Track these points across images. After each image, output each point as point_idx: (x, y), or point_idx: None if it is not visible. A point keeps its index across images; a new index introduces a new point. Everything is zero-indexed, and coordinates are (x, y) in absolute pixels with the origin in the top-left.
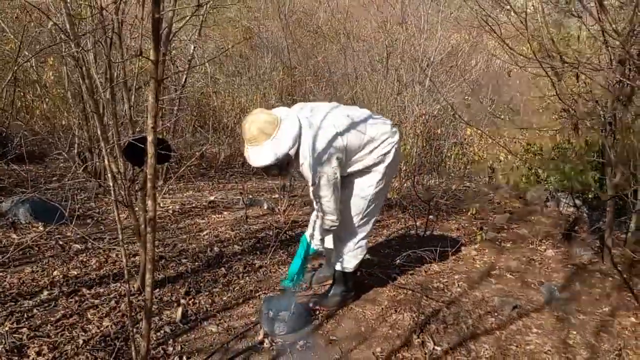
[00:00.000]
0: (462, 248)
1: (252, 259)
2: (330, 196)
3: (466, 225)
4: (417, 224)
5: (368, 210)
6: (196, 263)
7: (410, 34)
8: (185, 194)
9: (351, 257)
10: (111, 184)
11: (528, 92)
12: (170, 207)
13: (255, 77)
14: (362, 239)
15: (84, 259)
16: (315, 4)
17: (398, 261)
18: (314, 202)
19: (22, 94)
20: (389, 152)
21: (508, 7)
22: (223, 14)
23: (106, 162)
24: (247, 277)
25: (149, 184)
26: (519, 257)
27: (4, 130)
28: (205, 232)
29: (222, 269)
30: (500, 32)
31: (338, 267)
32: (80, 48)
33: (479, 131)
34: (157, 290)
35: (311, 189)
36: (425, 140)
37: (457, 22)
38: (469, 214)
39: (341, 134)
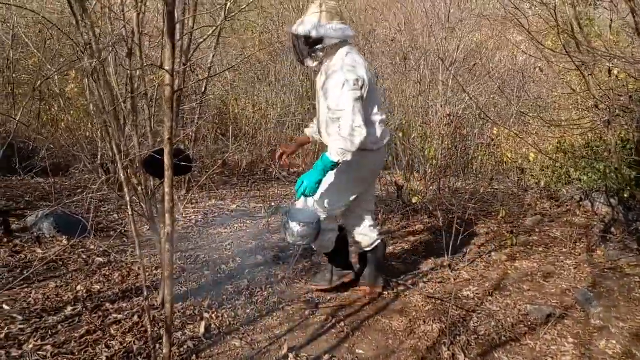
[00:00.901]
0: (493, 253)
1: (274, 269)
2: (353, 104)
3: (496, 229)
4: (445, 228)
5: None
6: (219, 275)
7: (431, 32)
8: (208, 203)
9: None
10: (127, 198)
11: (556, 87)
12: (193, 217)
13: (275, 83)
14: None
15: (107, 273)
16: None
17: (425, 269)
18: (338, 113)
19: (47, 107)
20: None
21: None
22: (241, 21)
23: (121, 175)
24: (270, 289)
25: (166, 198)
26: (552, 262)
27: (29, 143)
28: (227, 243)
29: (245, 280)
30: (528, 26)
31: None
32: (97, 60)
33: (507, 130)
34: (180, 304)
35: (339, 96)
36: (450, 141)
37: (480, 18)
38: (498, 217)
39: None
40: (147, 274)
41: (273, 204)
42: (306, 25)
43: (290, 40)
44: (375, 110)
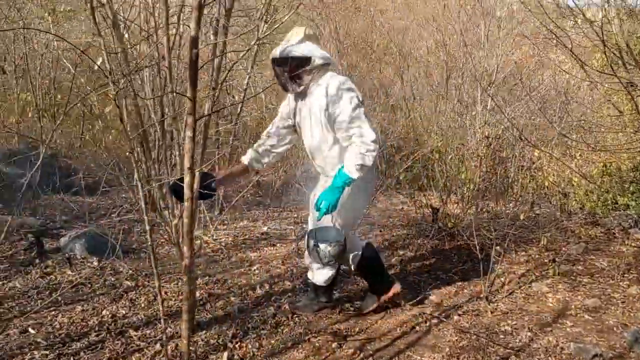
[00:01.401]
0: (533, 284)
1: (302, 296)
2: (365, 119)
3: (536, 257)
4: (482, 256)
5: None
6: (245, 301)
7: (469, 51)
8: (239, 224)
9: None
10: (147, 226)
11: (601, 109)
12: (223, 239)
13: None
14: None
15: (134, 297)
16: (370, 26)
17: (461, 299)
18: (352, 130)
19: (90, 126)
20: None
21: (580, 16)
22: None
23: (142, 203)
24: (297, 318)
25: (185, 229)
26: (597, 295)
27: (70, 162)
28: (255, 267)
29: (272, 308)
30: (571, 45)
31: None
32: (119, 87)
33: (548, 153)
34: (204, 332)
35: (349, 113)
36: (489, 164)
37: (520, 38)
38: (540, 244)
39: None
40: (173, 299)
41: (304, 226)
42: (298, 48)
43: (272, 66)
44: None
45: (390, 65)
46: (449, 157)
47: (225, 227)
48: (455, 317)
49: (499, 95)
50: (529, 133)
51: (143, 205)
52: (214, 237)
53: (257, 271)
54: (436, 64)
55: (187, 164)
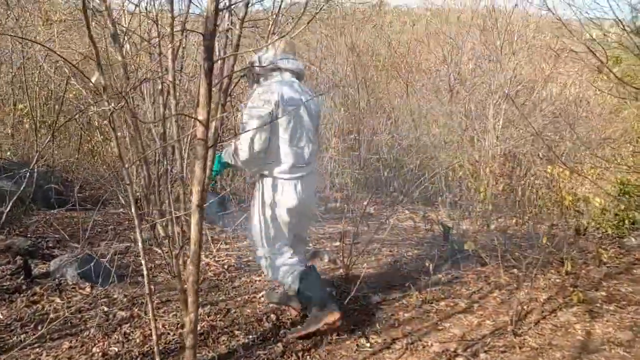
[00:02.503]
0: (558, 312)
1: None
2: (251, 131)
3: (557, 281)
4: (501, 281)
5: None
6: (250, 336)
7: (478, 65)
8: (242, 243)
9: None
10: (141, 251)
11: (610, 124)
12: (226, 260)
13: None
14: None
15: (128, 331)
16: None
17: (484, 332)
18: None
19: (88, 137)
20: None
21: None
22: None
23: (138, 236)
24: (308, 357)
25: (191, 278)
26: (629, 325)
27: (66, 176)
28: (261, 294)
29: (279, 344)
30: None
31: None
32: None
33: (566, 169)
34: None
35: (240, 122)
36: (506, 181)
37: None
38: (563, 270)
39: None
40: (171, 333)
41: (311, 244)
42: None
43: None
44: (292, 142)
45: (396, 79)
46: (459, 174)
47: (227, 246)
48: (482, 355)
49: (509, 110)
50: (539, 148)
51: (140, 238)
52: (216, 259)
53: (262, 299)
54: (445, 76)
55: (195, 200)
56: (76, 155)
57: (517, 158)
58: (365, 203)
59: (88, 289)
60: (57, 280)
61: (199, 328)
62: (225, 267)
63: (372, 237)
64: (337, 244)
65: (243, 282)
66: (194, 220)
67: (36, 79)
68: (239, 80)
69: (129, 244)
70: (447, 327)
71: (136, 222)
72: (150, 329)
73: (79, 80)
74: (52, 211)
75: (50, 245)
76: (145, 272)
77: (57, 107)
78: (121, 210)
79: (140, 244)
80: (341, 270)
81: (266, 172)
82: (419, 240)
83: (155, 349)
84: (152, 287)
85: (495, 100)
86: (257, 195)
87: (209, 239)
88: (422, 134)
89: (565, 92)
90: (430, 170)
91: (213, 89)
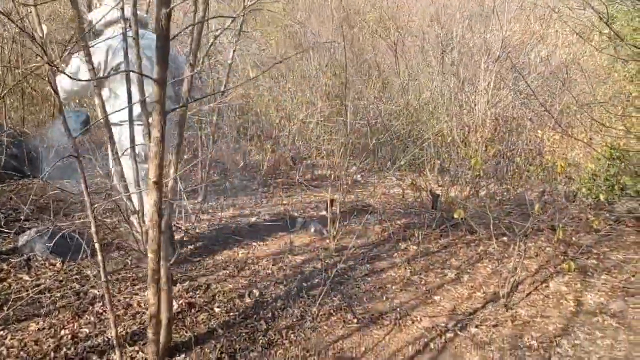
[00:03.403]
0: (550, 282)
1: (298, 306)
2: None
3: (547, 249)
4: (490, 249)
5: None
6: (231, 313)
7: (469, 26)
8: (224, 213)
9: None
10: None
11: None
12: (207, 232)
13: (301, 80)
14: None
15: (100, 310)
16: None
17: (476, 305)
18: None
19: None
20: None
21: None
22: (264, 15)
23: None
24: (292, 335)
25: (150, 265)
26: (621, 295)
27: (40, 144)
28: (243, 268)
29: (262, 322)
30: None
31: None
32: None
33: (557, 133)
34: (182, 356)
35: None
36: (494, 147)
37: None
38: (555, 238)
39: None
40: (140, 314)
41: (296, 216)
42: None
43: None
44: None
45: (385, 39)
46: (449, 139)
47: (209, 216)
48: (473, 330)
49: (500, 73)
50: (529, 112)
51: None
52: (197, 230)
53: (245, 273)
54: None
55: (152, 175)
56: (50, 122)
57: (508, 122)
58: (352, 170)
59: (59, 265)
60: (25, 255)
61: (175, 306)
62: (207, 237)
63: (359, 205)
64: (324, 213)
65: (225, 256)
66: (151, 199)
67: None
68: (216, 37)
69: (107, 213)
70: (436, 300)
71: (86, 198)
72: (125, 307)
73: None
74: (24, 180)
75: (21, 217)
76: (100, 258)
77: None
78: (98, 179)
79: (92, 226)
80: (327, 241)
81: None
82: (407, 208)
83: (115, 342)
84: (108, 278)
85: (486, 62)
86: None
87: (189, 209)
88: (411, 98)
89: (555, 53)
90: (419, 136)
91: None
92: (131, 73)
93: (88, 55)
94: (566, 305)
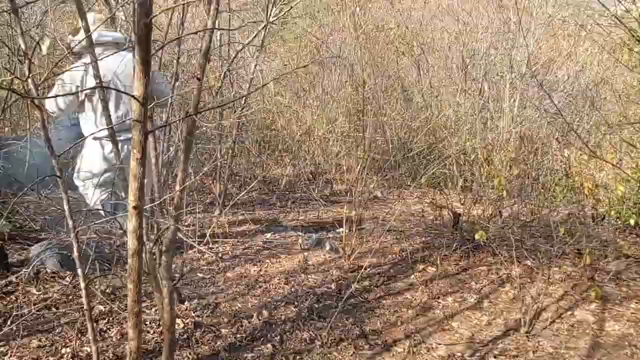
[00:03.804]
0: (575, 310)
1: (308, 330)
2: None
3: (573, 273)
4: (513, 273)
5: None
6: (237, 335)
7: (493, 43)
8: (239, 229)
9: None
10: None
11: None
12: (221, 248)
13: (322, 95)
14: None
15: (104, 327)
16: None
17: (495, 332)
18: None
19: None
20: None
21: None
22: (289, 30)
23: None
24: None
25: (130, 297)
26: None
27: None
28: (254, 287)
29: (269, 345)
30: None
31: None
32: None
33: (584, 154)
34: None
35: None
36: (518, 166)
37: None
38: (581, 262)
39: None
40: (152, 331)
41: (312, 232)
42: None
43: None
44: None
45: (407, 57)
46: (471, 157)
47: (222, 231)
48: None
49: (526, 91)
50: (556, 131)
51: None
52: (210, 246)
53: (255, 292)
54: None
55: (132, 199)
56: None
57: (533, 141)
58: (371, 187)
59: (68, 279)
60: (35, 268)
61: (181, 326)
62: (220, 254)
63: (377, 223)
64: (340, 230)
65: (236, 274)
66: (130, 225)
67: None
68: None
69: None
70: (454, 326)
71: (69, 220)
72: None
73: None
74: (46, 191)
75: (38, 228)
76: (82, 285)
77: None
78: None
79: (75, 250)
80: (342, 260)
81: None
82: (427, 227)
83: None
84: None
85: (511, 79)
86: None
87: (203, 224)
88: (433, 115)
89: (584, 72)
90: (441, 153)
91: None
92: (109, 93)
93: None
94: (592, 335)
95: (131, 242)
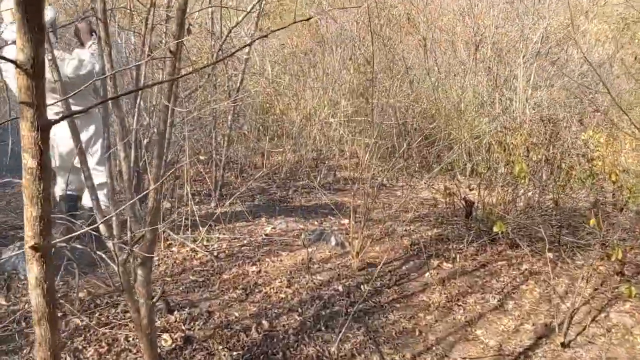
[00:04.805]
0: (610, 311)
1: (314, 344)
2: None
3: (601, 269)
4: (535, 267)
5: None
6: (234, 352)
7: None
8: (237, 224)
9: None
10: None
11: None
12: (216, 244)
13: (323, 77)
14: None
15: (80, 346)
16: None
17: (523, 339)
18: None
19: None
20: None
21: None
22: (286, 7)
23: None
24: None
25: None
26: None
27: None
28: (253, 291)
29: None
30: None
31: None
32: None
33: (601, 136)
34: None
35: None
36: (536, 151)
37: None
38: (614, 256)
39: None
40: (134, 350)
41: (315, 224)
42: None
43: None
44: None
45: (413, 35)
46: (484, 141)
47: (219, 226)
48: None
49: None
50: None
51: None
52: (205, 242)
53: (254, 297)
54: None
55: (29, 236)
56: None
57: (552, 124)
58: (378, 174)
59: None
60: (6, 274)
61: (169, 342)
62: (215, 253)
63: (385, 214)
64: (346, 222)
65: (233, 275)
66: (29, 273)
67: None
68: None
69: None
70: (478, 335)
71: None
72: (108, 343)
73: None
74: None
75: (20, 225)
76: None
77: None
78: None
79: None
80: (349, 257)
81: None
82: (439, 216)
83: None
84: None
85: (526, 57)
86: None
87: (197, 220)
88: (442, 96)
89: (597, 50)
90: (451, 137)
91: None
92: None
93: None
94: (633, 342)
95: (35, 301)
